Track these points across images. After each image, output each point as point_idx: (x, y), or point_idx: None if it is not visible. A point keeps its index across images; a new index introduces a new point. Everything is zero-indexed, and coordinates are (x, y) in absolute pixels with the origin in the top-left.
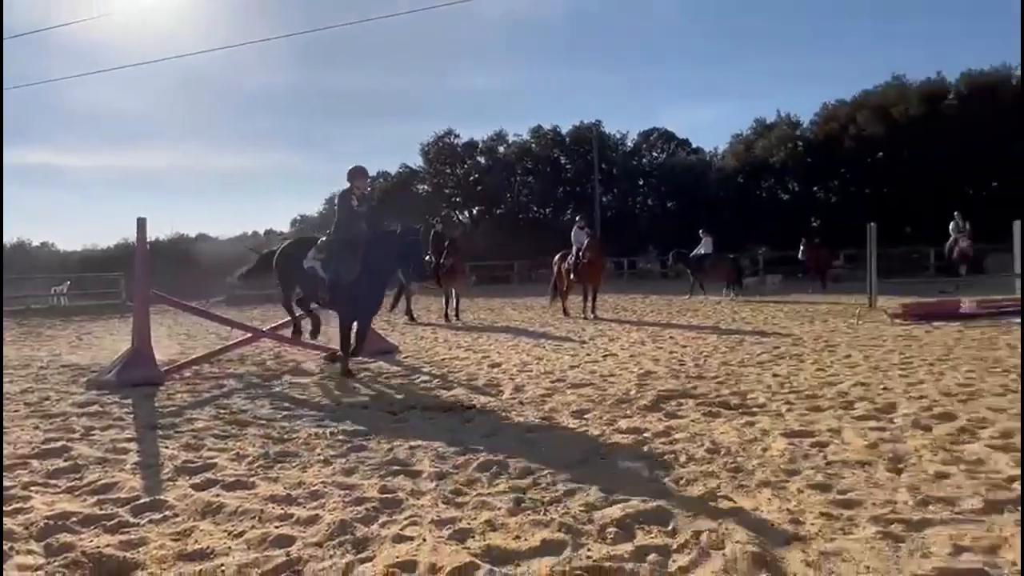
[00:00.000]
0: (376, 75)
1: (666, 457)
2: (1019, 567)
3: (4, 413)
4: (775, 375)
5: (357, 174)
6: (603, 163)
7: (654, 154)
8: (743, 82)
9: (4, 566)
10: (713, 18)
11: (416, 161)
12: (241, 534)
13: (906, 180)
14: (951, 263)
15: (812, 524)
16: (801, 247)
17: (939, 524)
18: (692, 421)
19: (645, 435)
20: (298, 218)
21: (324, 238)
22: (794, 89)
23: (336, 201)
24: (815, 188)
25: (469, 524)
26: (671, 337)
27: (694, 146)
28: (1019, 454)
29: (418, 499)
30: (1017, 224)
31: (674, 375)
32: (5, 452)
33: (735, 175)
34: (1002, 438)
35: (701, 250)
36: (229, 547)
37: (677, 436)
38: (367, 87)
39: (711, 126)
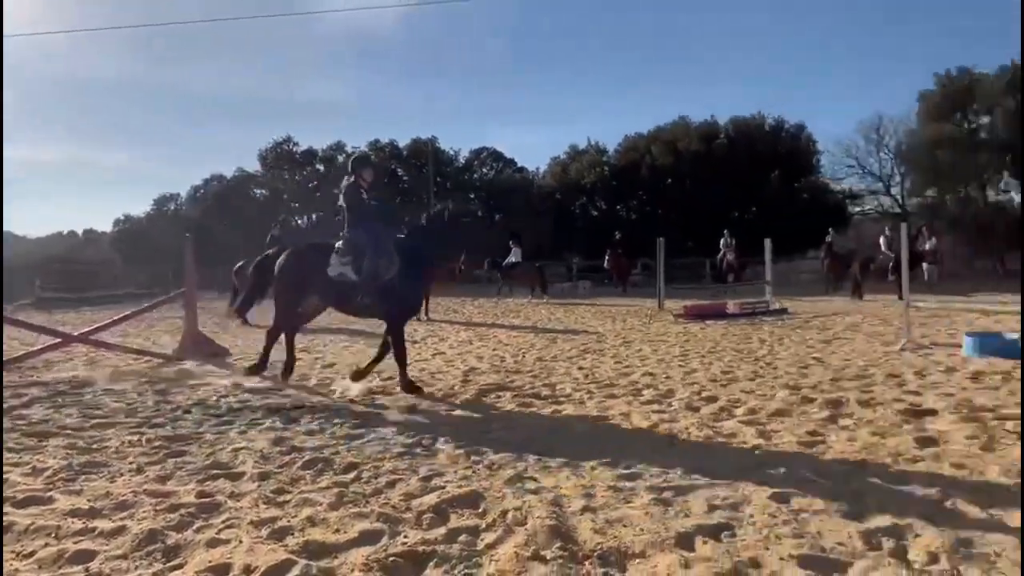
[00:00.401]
0: (211, 76)
1: (481, 446)
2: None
3: None
4: (580, 368)
5: (363, 163)
6: (438, 177)
7: (484, 170)
8: (561, 111)
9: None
10: (535, 53)
11: (253, 165)
12: (32, 554)
13: (689, 203)
14: (721, 272)
15: (601, 496)
16: (606, 257)
17: (700, 488)
18: (508, 411)
19: (466, 426)
20: (121, 218)
21: (341, 241)
22: (602, 121)
23: (343, 195)
24: (619, 207)
25: (289, 522)
26: (495, 336)
27: (519, 165)
28: (763, 427)
29: (238, 501)
30: (768, 242)
31: (495, 370)
32: None
33: (553, 193)
34: (750, 414)
35: (512, 259)
36: (16, 569)
37: (494, 425)
38: (202, 87)
39: (533, 148)
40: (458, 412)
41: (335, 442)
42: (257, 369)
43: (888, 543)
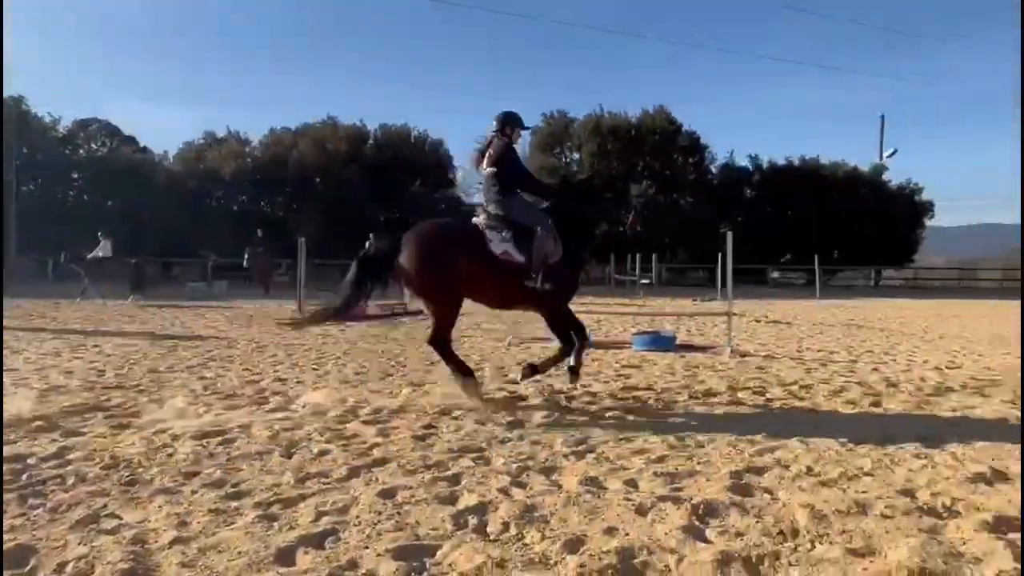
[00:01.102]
0: None
1: (48, 484)
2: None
3: None
4: (202, 378)
5: (515, 120)
6: (25, 147)
7: (93, 146)
8: (197, 92)
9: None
10: (175, 29)
11: None
12: None
13: (337, 204)
14: None
15: (198, 523)
16: (246, 256)
17: (311, 496)
18: (96, 436)
19: (28, 461)
20: None
21: (490, 213)
22: (245, 109)
23: (496, 158)
24: (263, 202)
25: None
26: (95, 345)
27: (141, 145)
28: (384, 425)
29: None
30: None
31: (88, 387)
32: None
33: (185, 181)
34: (374, 414)
35: (99, 253)
36: None
37: (72, 456)
38: None
39: (161, 129)
40: (20, 444)
41: None
42: (474, 386)
43: (473, 520)
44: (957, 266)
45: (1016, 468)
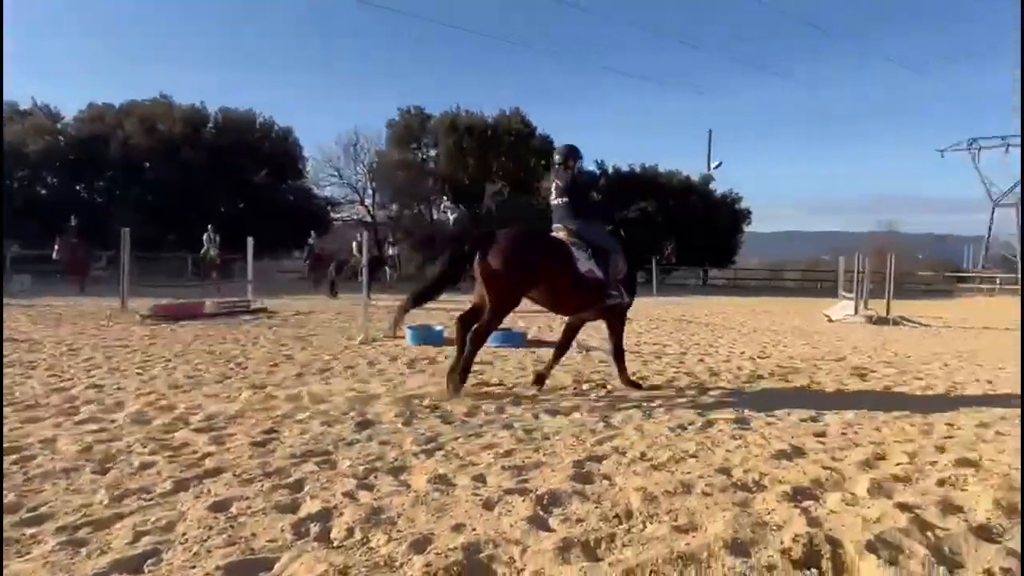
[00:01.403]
0: None
1: None
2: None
3: None
4: None
5: (577, 154)
6: None
7: None
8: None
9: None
10: None
11: None
12: None
13: (171, 191)
14: (205, 269)
15: None
16: (56, 247)
17: (128, 515)
18: None
19: None
20: None
21: (571, 230)
22: (58, 81)
23: (566, 187)
24: (78, 187)
25: None
26: None
27: None
28: (219, 432)
29: None
30: (250, 240)
31: None
32: None
33: None
34: (207, 420)
35: None
36: None
37: None
38: None
39: None
40: None
41: None
42: (463, 378)
43: (315, 528)
44: (768, 267)
45: (811, 444)
